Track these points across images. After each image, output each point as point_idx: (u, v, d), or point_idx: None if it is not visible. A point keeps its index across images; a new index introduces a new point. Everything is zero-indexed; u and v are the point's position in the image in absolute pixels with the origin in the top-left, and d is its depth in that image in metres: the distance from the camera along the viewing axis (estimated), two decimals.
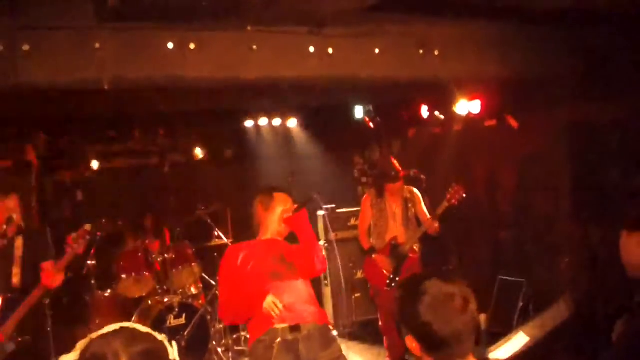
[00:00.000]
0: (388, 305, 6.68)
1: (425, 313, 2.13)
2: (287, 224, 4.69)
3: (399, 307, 2.27)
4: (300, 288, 4.58)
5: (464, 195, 6.61)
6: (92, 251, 7.68)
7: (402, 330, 2.28)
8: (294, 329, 4.37)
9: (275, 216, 4.71)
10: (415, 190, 7.15)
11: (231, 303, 4.51)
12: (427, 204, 7.13)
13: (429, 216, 6.88)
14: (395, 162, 7.09)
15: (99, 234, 7.90)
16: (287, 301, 4.38)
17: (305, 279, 4.65)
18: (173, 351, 1.98)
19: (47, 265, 5.50)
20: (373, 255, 7.13)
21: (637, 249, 3.18)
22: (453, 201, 6.61)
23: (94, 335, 1.95)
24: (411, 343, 2.22)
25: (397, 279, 6.88)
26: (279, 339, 4.32)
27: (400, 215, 7.06)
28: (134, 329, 1.96)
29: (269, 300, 4.30)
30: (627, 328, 3.01)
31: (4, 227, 5.40)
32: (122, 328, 1.95)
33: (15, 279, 5.42)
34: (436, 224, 6.77)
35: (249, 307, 4.42)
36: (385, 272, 7.01)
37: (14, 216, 5.48)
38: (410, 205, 7.04)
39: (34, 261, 5.48)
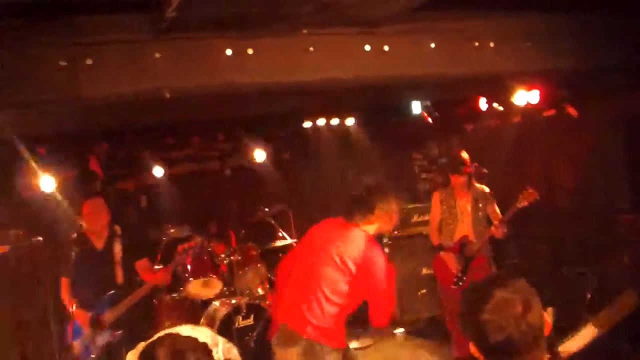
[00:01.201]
0: (454, 303, 6.65)
1: (483, 319, 2.14)
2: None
3: (462, 310, 2.28)
4: None
5: (537, 199, 6.53)
6: (159, 257, 7.85)
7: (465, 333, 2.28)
8: None
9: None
10: (487, 190, 7.07)
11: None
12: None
13: (500, 217, 6.81)
14: (464, 154, 7.01)
15: (164, 239, 8.16)
16: None
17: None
18: (218, 350, 2.07)
19: (142, 264, 6.32)
20: (441, 253, 7.12)
21: None
22: (525, 203, 6.53)
23: (141, 345, 2.07)
24: (473, 347, 2.22)
25: (465, 278, 6.84)
26: None
27: (469, 213, 6.99)
28: (177, 335, 2.07)
29: None
30: None
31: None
32: (166, 335, 2.06)
33: (119, 278, 6.15)
34: (504, 229, 6.65)
35: None
36: (453, 270, 6.99)
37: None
38: (481, 204, 6.96)
39: (131, 260, 6.27)
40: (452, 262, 7.00)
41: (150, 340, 2.12)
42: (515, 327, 2.11)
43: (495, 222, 6.74)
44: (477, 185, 7.08)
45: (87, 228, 6.12)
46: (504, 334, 2.11)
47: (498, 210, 6.93)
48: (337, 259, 4.58)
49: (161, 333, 2.15)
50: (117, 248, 6.17)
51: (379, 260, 4.60)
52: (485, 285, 2.22)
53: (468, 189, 6.96)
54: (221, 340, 2.23)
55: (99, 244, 6.18)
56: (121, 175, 10.12)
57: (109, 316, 5.84)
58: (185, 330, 2.17)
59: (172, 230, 8.26)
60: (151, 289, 6.18)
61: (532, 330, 2.12)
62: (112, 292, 5.95)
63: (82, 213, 6.12)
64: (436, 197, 7.30)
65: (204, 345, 2.11)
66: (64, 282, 6.13)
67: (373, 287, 4.60)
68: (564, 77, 7.28)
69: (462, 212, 7.03)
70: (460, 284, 6.84)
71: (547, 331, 2.22)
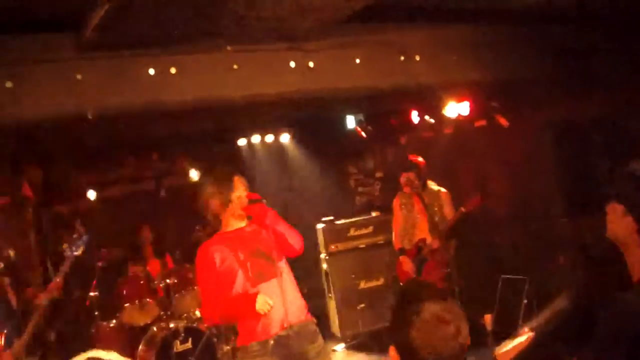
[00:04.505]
0: None
1: (414, 333, 2.12)
2: (250, 211, 4.57)
3: (392, 316, 2.25)
4: (285, 283, 4.55)
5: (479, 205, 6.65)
6: (94, 282, 7.69)
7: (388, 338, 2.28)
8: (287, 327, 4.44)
9: (239, 203, 4.56)
10: (444, 190, 7.17)
11: (218, 308, 4.46)
12: None
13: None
14: (411, 155, 7.18)
15: (99, 264, 7.99)
16: (276, 304, 4.37)
17: (291, 255, 4.65)
18: None
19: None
20: (400, 257, 7.25)
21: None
22: (468, 208, 6.65)
23: None
24: (393, 353, 2.21)
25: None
26: (272, 341, 4.37)
27: (424, 216, 7.08)
28: (98, 358, 2.06)
29: (261, 301, 4.29)
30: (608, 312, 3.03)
31: None
32: (88, 358, 2.06)
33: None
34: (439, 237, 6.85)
35: (238, 313, 4.43)
36: (409, 272, 7.11)
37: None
38: (436, 207, 7.05)
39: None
40: (408, 264, 7.14)
41: None
42: (444, 345, 2.12)
43: (435, 233, 6.90)
44: (433, 187, 7.17)
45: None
46: (434, 353, 2.11)
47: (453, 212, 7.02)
48: None
49: (81, 357, 2.14)
50: None
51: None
52: (414, 297, 2.20)
53: (422, 191, 7.03)
54: None
55: None
56: (54, 199, 9.92)
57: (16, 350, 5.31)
58: (105, 354, 2.16)
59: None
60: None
61: (462, 349, 2.15)
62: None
63: None
64: (396, 201, 7.46)
65: None
66: None
67: None
68: (490, 88, 7.40)
69: (419, 213, 7.10)
70: None
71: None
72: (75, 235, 5.89)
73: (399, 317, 2.20)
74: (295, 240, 4.62)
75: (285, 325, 4.42)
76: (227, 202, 4.54)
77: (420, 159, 7.18)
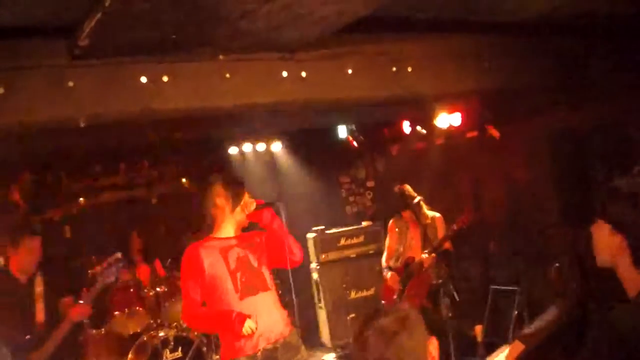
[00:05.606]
0: None
1: (366, 343, 2.22)
2: (257, 217, 4.57)
3: (352, 342, 2.36)
4: (271, 298, 4.56)
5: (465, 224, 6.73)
6: (86, 290, 7.64)
7: None
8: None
9: (247, 208, 4.57)
10: (438, 215, 7.21)
11: (200, 317, 4.46)
12: None
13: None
14: (406, 188, 7.21)
15: (89, 271, 7.94)
16: (263, 318, 4.38)
17: (292, 266, 4.62)
18: None
19: (67, 301, 5.74)
20: (386, 272, 7.29)
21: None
22: (459, 225, 6.74)
23: None
24: None
25: (403, 295, 6.98)
26: (259, 354, 4.37)
27: (419, 242, 7.14)
28: None
29: (247, 325, 4.25)
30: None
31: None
32: None
33: (39, 316, 5.53)
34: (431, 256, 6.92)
35: (220, 329, 4.41)
36: (394, 287, 7.13)
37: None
38: (430, 234, 7.10)
39: (55, 297, 5.71)
40: (394, 280, 7.16)
41: None
42: (392, 353, 2.17)
43: (427, 251, 6.95)
44: (428, 212, 7.21)
45: (16, 264, 5.57)
46: (376, 354, 2.19)
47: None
48: None
49: None
50: (39, 281, 5.66)
51: None
52: (373, 313, 2.28)
53: (418, 219, 7.08)
54: None
55: (23, 279, 5.61)
56: (45, 205, 9.87)
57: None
58: None
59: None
60: (72, 324, 5.50)
61: (409, 357, 2.17)
62: (28, 337, 5.33)
63: (15, 249, 5.55)
64: (392, 225, 7.50)
65: None
66: None
67: None
68: (485, 98, 7.42)
69: (412, 239, 7.15)
70: (399, 300, 6.94)
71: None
72: (110, 260, 5.80)
73: (356, 340, 2.30)
74: (298, 250, 4.63)
75: (271, 340, 4.42)
76: (234, 206, 4.54)
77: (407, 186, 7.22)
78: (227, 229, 4.62)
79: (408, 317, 2.26)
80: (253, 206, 4.57)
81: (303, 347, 4.64)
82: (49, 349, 5.28)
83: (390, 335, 2.19)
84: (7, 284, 5.54)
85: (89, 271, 7.73)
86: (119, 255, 5.82)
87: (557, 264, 7.57)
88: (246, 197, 4.60)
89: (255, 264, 4.55)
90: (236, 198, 4.56)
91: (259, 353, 4.36)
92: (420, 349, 2.23)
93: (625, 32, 6.41)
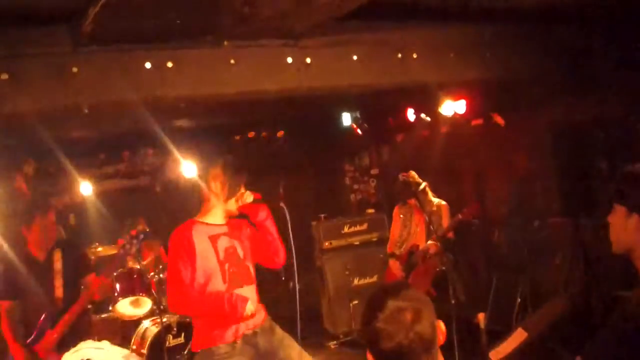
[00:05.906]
0: None
1: (376, 328, 2.15)
2: (250, 210, 4.46)
3: (361, 318, 2.29)
4: (253, 291, 4.54)
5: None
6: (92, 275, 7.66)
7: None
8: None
9: (237, 199, 4.42)
10: (444, 203, 7.21)
11: (191, 300, 4.29)
12: None
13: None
14: (412, 175, 7.16)
15: (93, 258, 7.97)
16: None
17: (272, 266, 4.63)
18: None
19: (90, 279, 5.77)
20: (390, 260, 7.34)
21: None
22: (466, 216, 6.72)
23: None
24: (369, 355, 2.25)
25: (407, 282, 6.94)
26: (239, 341, 4.35)
27: (423, 229, 7.17)
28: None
29: (248, 307, 4.25)
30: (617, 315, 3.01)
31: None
32: None
33: (58, 292, 5.62)
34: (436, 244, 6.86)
35: (212, 312, 4.30)
36: (397, 275, 7.17)
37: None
38: (435, 221, 7.04)
39: (74, 274, 5.74)
40: (397, 268, 7.20)
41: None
42: (404, 335, 2.12)
43: (432, 238, 6.94)
44: (434, 199, 7.19)
45: (33, 243, 5.63)
46: (393, 342, 2.12)
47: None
48: None
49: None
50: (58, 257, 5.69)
51: None
52: (380, 295, 2.24)
53: (423, 207, 7.04)
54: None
55: (42, 256, 5.66)
56: (49, 193, 9.89)
57: (48, 341, 5.34)
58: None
59: (99, 249, 8.14)
60: (90, 300, 5.66)
61: (421, 339, 2.14)
62: (43, 315, 5.37)
63: (29, 229, 5.58)
64: (396, 211, 7.52)
65: None
66: (3, 307, 5.51)
67: None
68: (488, 87, 7.40)
69: (417, 226, 7.15)
70: None
71: (441, 340, 2.26)
72: (135, 231, 5.81)
73: (366, 317, 2.23)
74: (282, 253, 4.58)
75: (251, 327, 4.40)
76: (229, 197, 4.40)
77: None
78: (217, 216, 4.48)
79: (417, 299, 2.23)
80: (250, 199, 4.42)
81: (277, 327, 4.60)
82: (66, 322, 5.38)
83: (403, 319, 2.15)
84: (26, 264, 5.59)
85: (117, 240, 7.78)
86: (141, 225, 5.84)
87: (561, 255, 7.57)
88: (243, 190, 4.44)
89: (242, 256, 4.48)
90: (233, 188, 4.39)
91: (239, 340, 4.33)
92: (431, 331, 2.20)
93: (628, 21, 6.38)
